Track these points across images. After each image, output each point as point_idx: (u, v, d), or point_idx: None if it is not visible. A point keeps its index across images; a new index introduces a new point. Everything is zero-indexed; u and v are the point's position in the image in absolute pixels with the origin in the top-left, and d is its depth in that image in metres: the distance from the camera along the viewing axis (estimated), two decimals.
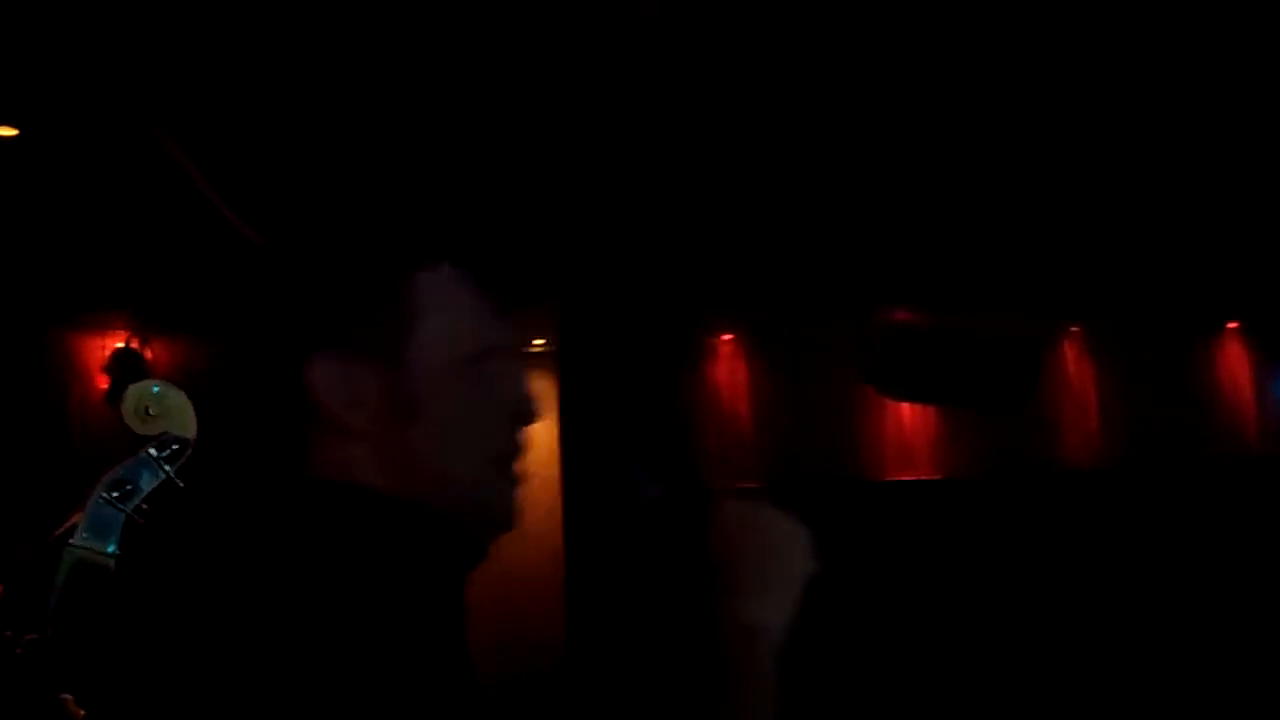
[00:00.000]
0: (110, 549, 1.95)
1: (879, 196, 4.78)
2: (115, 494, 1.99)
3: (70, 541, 1.91)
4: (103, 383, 5.68)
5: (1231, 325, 7.60)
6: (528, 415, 1.41)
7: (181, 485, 2.04)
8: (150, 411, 2.06)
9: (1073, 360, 7.78)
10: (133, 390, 2.07)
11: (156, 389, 2.08)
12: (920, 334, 6.25)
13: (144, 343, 5.62)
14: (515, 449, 1.40)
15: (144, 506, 2.00)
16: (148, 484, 2.02)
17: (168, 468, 2.03)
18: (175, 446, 2.04)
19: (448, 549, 1.39)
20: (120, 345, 5.59)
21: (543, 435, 6.80)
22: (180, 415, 2.08)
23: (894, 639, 6.33)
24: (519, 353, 1.45)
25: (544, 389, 6.91)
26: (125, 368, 5.47)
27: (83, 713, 1.77)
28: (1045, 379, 7.58)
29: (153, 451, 2.03)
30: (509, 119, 3.50)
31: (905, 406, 7.26)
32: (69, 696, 1.83)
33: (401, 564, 1.29)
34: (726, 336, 6.84)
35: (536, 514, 6.46)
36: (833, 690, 5.87)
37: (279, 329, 1.40)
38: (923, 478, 7.36)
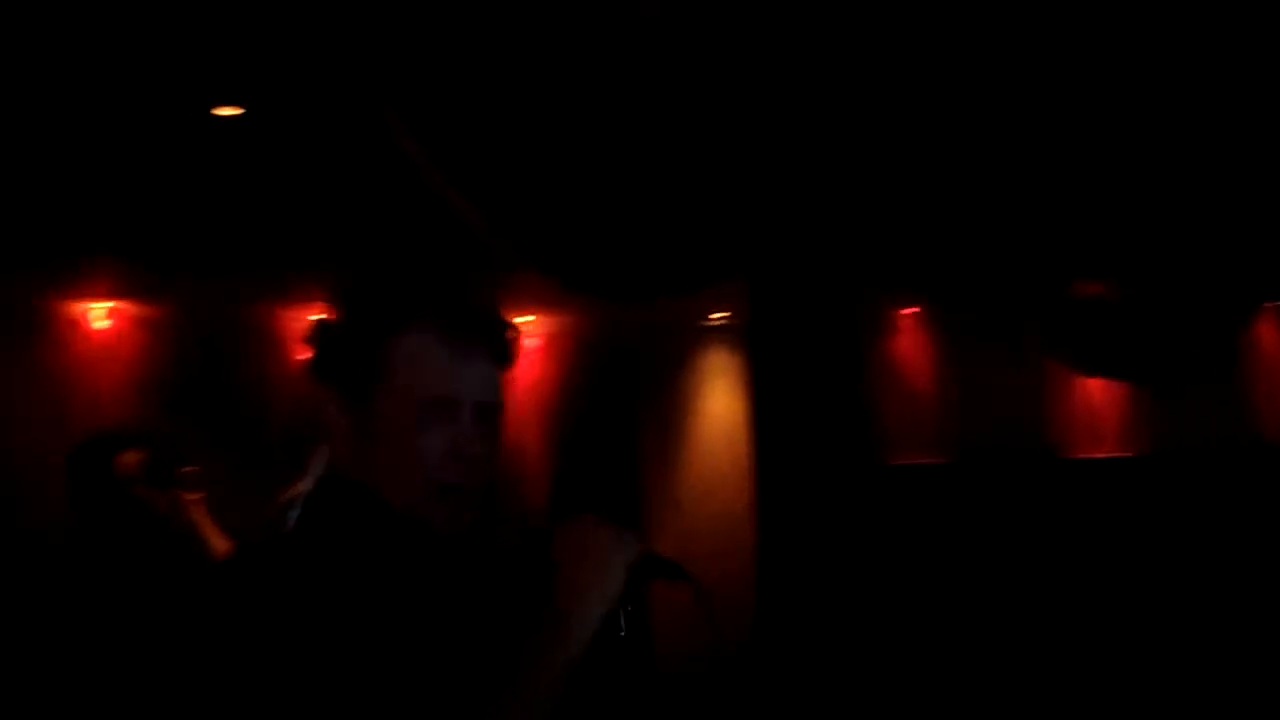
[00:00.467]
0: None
1: (1070, 166, 4.68)
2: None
3: (297, 501, 1.96)
4: (303, 353, 5.88)
5: None
6: (468, 457, 1.71)
7: None
8: None
9: (1269, 335, 7.51)
10: None
11: None
12: (1112, 308, 6.10)
13: None
14: (456, 483, 1.71)
15: None
16: None
17: None
18: None
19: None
20: (318, 317, 5.77)
21: (724, 409, 6.84)
22: None
23: (1085, 617, 6.22)
24: (476, 399, 1.73)
25: (723, 362, 6.95)
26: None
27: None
28: (1240, 354, 7.33)
29: None
30: (698, 92, 3.53)
31: (1095, 382, 7.10)
32: None
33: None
34: (911, 310, 6.78)
35: (725, 490, 6.49)
36: (1024, 662, 5.81)
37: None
38: (1113, 455, 7.20)
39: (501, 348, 1.77)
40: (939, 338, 6.88)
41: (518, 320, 6.36)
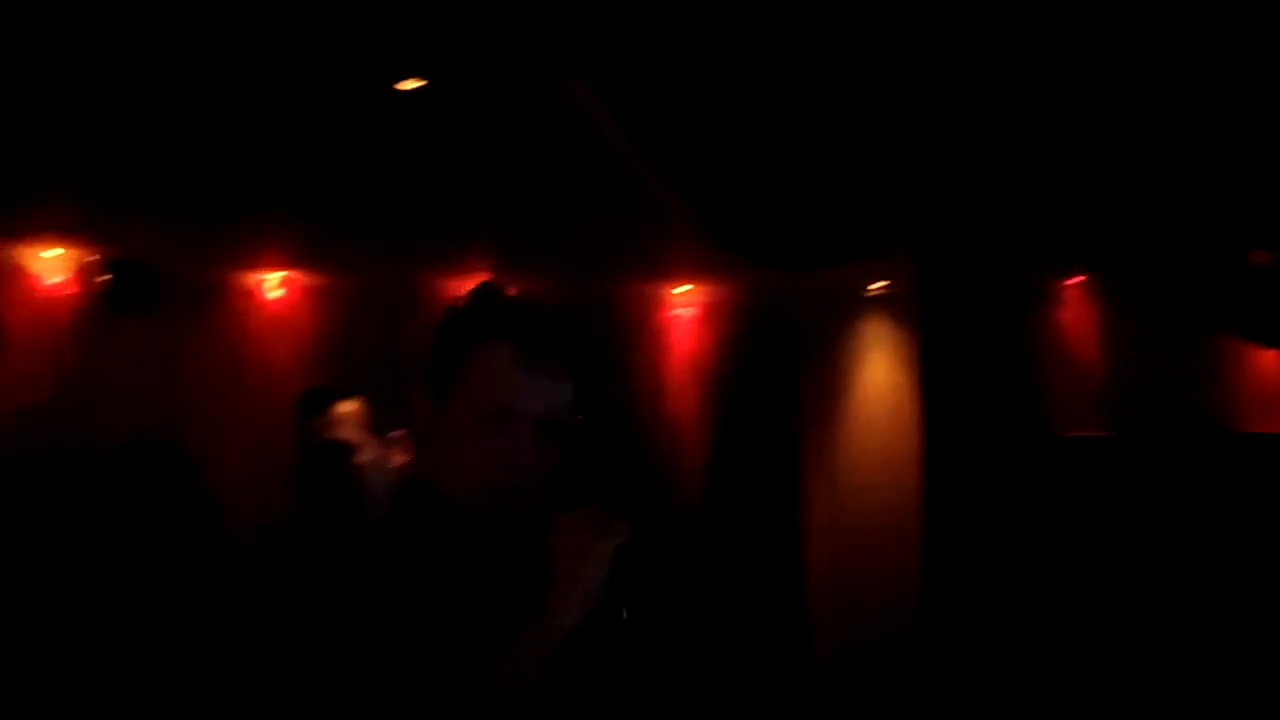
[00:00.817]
0: None
1: (1239, 131, 4.53)
2: None
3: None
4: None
5: None
6: (518, 465, 1.90)
7: (579, 418, 2.17)
8: None
9: None
10: None
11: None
12: None
13: (508, 286, 5.88)
14: (504, 486, 1.91)
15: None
16: None
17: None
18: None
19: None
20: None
21: (883, 380, 6.78)
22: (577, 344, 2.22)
23: (1256, 594, 6.04)
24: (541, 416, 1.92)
25: (881, 332, 6.88)
26: None
27: None
28: None
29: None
30: (870, 62, 3.50)
31: (1269, 354, 6.86)
32: None
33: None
34: (1077, 279, 6.64)
35: (885, 461, 6.42)
36: (1192, 640, 5.67)
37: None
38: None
39: (577, 367, 1.96)
40: (1105, 308, 6.72)
41: (676, 290, 6.42)
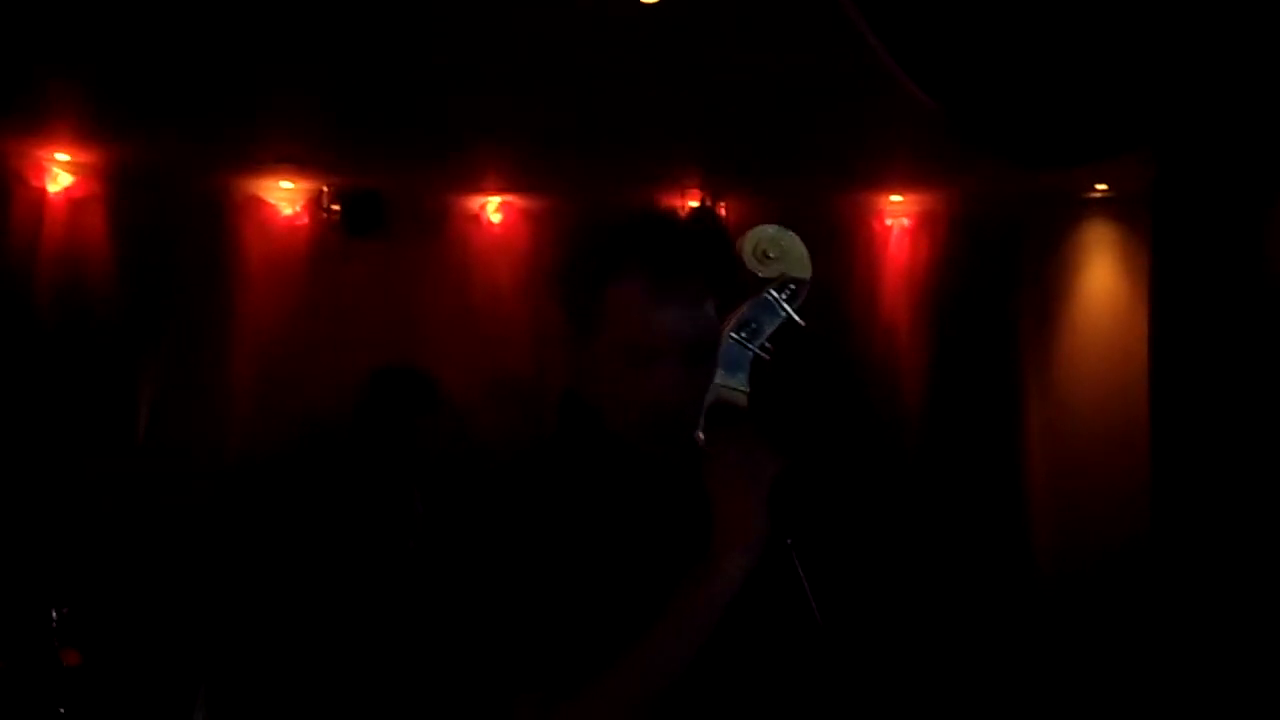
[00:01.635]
0: (742, 384, 2.11)
1: None
2: (743, 334, 2.13)
3: (713, 382, 2.01)
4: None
5: None
6: (669, 400, 1.87)
7: (802, 324, 2.17)
8: (769, 254, 2.19)
9: None
10: (751, 234, 2.20)
11: (774, 232, 2.21)
12: None
13: (717, 201, 5.91)
14: (658, 422, 1.87)
15: (768, 345, 2.14)
16: (770, 324, 2.15)
17: (787, 308, 2.16)
18: (793, 287, 2.17)
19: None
20: (695, 204, 5.89)
21: (1106, 289, 6.57)
22: (797, 257, 2.21)
23: None
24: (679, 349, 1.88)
25: (1104, 237, 6.66)
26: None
27: None
28: None
29: (773, 293, 2.16)
30: None
31: None
32: None
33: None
34: None
35: (1107, 373, 6.24)
36: None
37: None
38: None
39: (716, 279, 1.92)
40: None
41: (891, 199, 6.32)
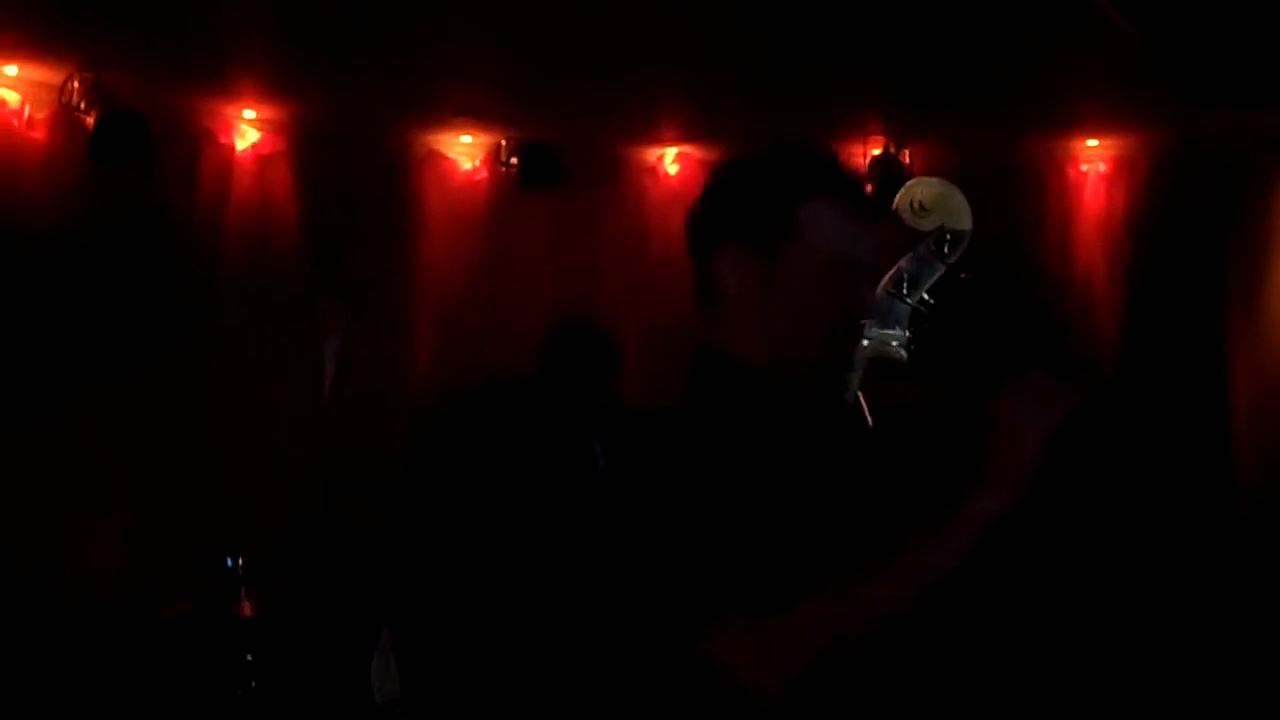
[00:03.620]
0: (900, 339, 2.06)
1: None
2: (899, 288, 2.08)
3: (865, 337, 2.02)
4: (867, 189, 5.87)
5: None
6: (861, 318, 1.87)
7: (963, 276, 2.09)
8: (925, 206, 2.12)
9: None
10: (906, 187, 2.15)
11: (931, 183, 2.14)
12: None
13: (900, 148, 5.75)
14: (853, 341, 1.87)
15: (927, 298, 2.07)
16: (928, 277, 2.09)
17: (947, 260, 2.09)
18: (950, 239, 2.10)
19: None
20: (878, 151, 5.75)
21: None
22: (955, 209, 2.13)
23: None
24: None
25: None
26: (886, 173, 5.62)
27: None
28: None
29: (931, 246, 2.10)
30: None
31: None
32: None
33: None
34: None
35: None
36: None
37: None
38: None
39: (880, 221, 1.93)
40: None
41: (1087, 143, 6.05)
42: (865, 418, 1.99)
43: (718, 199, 1.93)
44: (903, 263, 2.11)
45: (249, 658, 4.22)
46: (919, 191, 2.14)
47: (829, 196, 1.87)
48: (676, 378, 5.54)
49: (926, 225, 2.12)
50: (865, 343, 2.05)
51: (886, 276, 2.09)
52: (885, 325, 2.06)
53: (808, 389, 1.88)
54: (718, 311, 1.90)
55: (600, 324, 4.49)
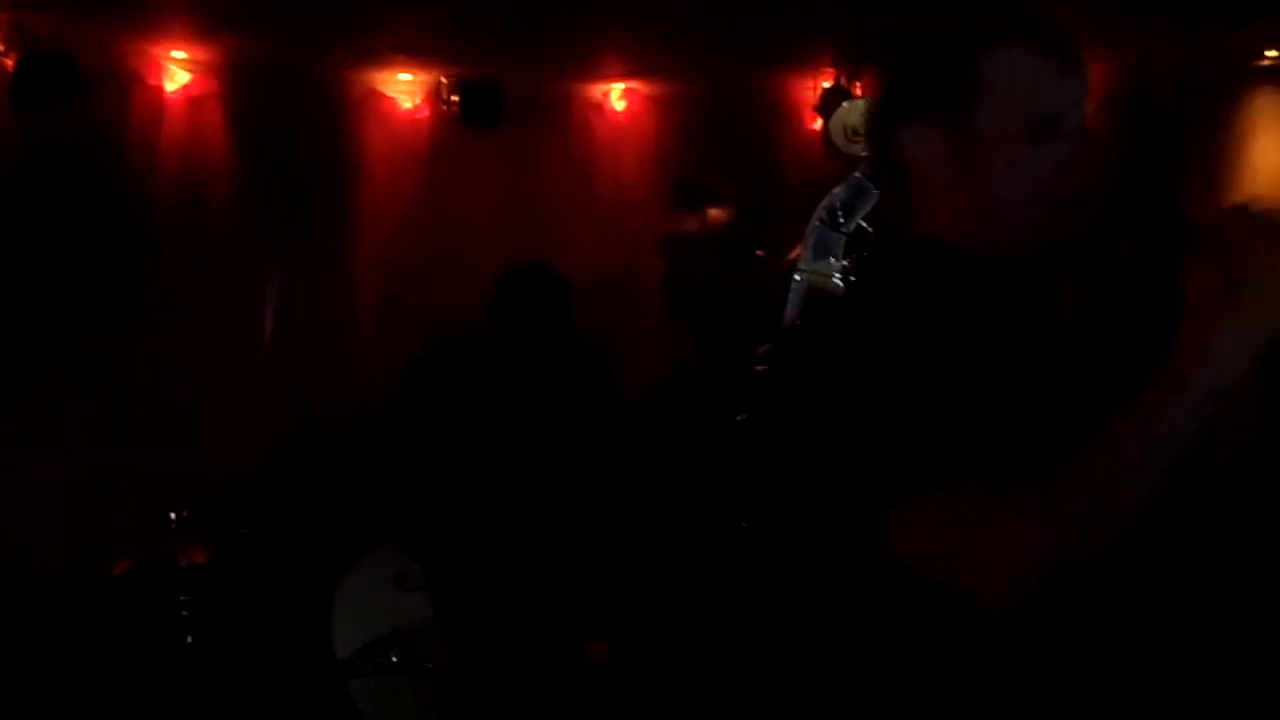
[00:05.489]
0: (837, 268, 2.00)
1: None
2: (833, 218, 2.02)
3: (799, 268, 1.98)
4: (813, 122, 5.79)
5: None
6: (1074, 177, 1.61)
7: None
8: (857, 132, 2.07)
9: None
10: (838, 112, 2.09)
11: (865, 107, 2.06)
12: None
13: (853, 79, 5.65)
14: (1071, 196, 1.62)
15: (864, 225, 2.02)
16: (864, 205, 2.03)
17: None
18: None
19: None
20: (829, 84, 5.66)
21: (1276, 163, 6.15)
22: None
23: None
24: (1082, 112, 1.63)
25: (1273, 106, 6.22)
26: (836, 106, 5.52)
27: None
28: None
29: (866, 172, 2.04)
30: None
31: None
32: None
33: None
34: None
35: None
36: None
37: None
38: None
39: (1085, 70, 1.66)
40: None
41: None
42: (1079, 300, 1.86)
43: (890, 74, 1.74)
44: (836, 191, 2.06)
45: (188, 611, 4.11)
46: (852, 116, 2.10)
47: (1017, 45, 1.62)
48: (630, 316, 5.44)
49: (861, 151, 2.06)
50: (798, 277, 2.01)
51: (820, 206, 2.05)
52: (820, 256, 2.01)
53: (1016, 272, 1.66)
54: (908, 199, 1.69)
55: (550, 264, 4.39)
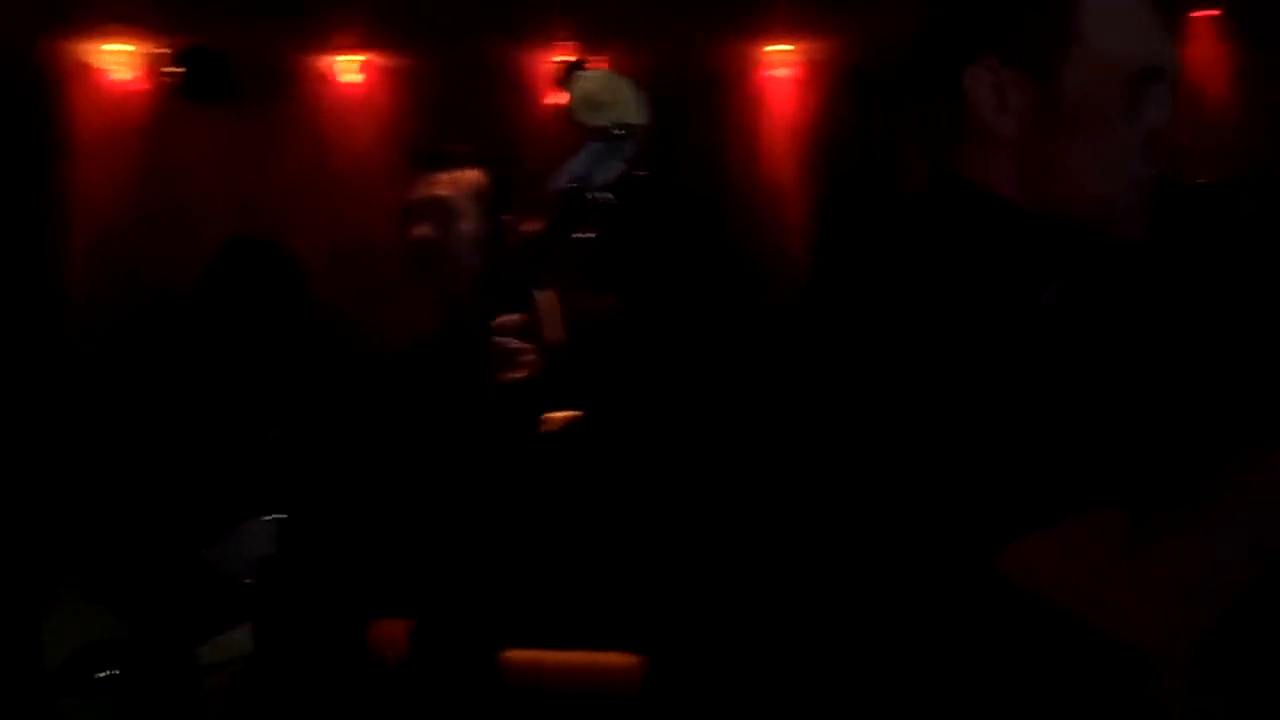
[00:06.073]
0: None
1: None
2: (570, 186, 1.96)
3: (538, 241, 1.91)
4: (554, 95, 5.73)
5: None
6: (1169, 140, 1.42)
7: (641, 174, 1.99)
8: (597, 100, 2.01)
9: None
10: (574, 80, 2.02)
11: (600, 76, 2.04)
12: None
13: (592, 55, 5.63)
14: (1154, 170, 1.42)
15: (604, 196, 1.96)
16: (601, 174, 1.98)
17: (622, 157, 1.98)
18: (620, 132, 1.99)
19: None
20: (568, 59, 5.62)
21: None
22: (627, 102, 2.02)
23: None
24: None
25: None
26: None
27: None
28: None
29: (604, 142, 1.99)
30: None
31: None
32: None
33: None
34: (1209, 12, 6.13)
35: None
36: None
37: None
38: None
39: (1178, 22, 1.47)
40: (1240, 45, 6.21)
41: (770, 49, 6.03)
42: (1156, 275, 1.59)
43: (961, 2, 1.49)
44: (573, 160, 1.99)
45: None
46: (588, 85, 2.02)
47: None
48: (374, 286, 5.27)
49: (599, 120, 2.00)
50: (537, 250, 1.95)
51: (557, 175, 1.99)
52: (558, 227, 1.95)
53: (1096, 241, 1.45)
54: (973, 150, 1.46)
55: (276, 240, 4.20)
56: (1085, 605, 1.24)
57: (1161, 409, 1.41)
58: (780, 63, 6.11)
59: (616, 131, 1.97)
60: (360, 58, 5.77)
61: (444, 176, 2.90)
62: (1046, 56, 1.40)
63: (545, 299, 2.50)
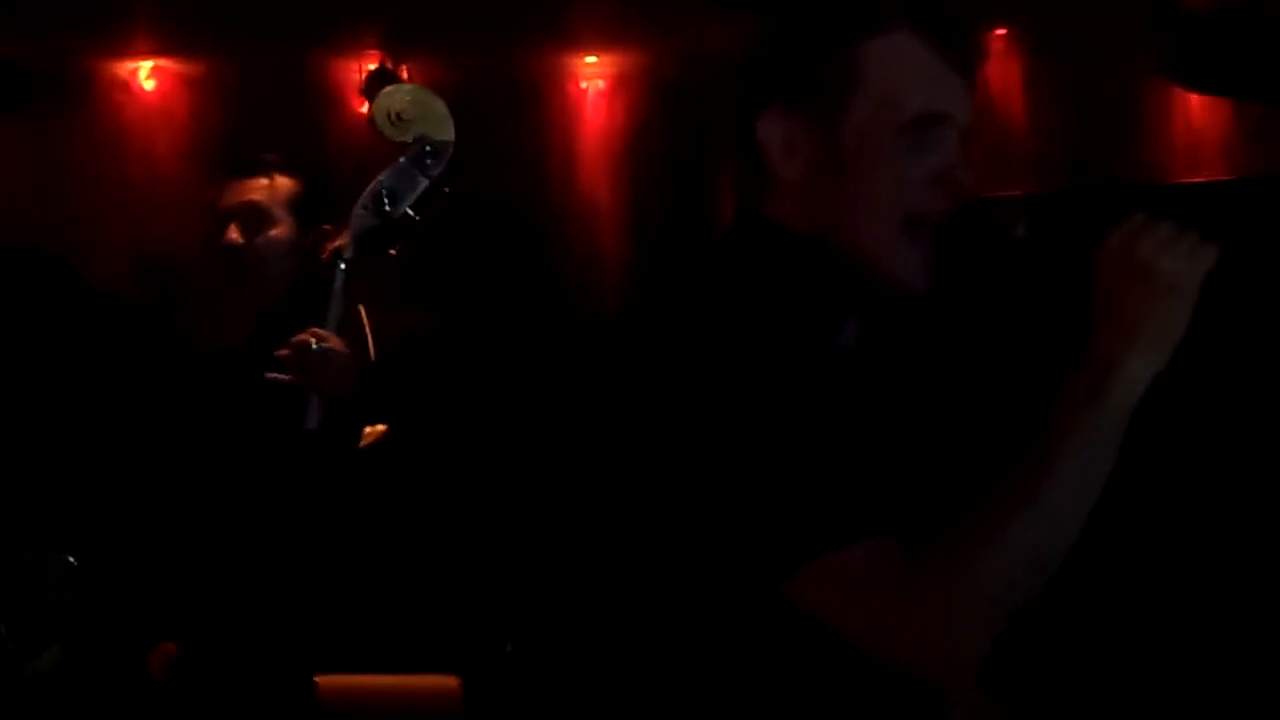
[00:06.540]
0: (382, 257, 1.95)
1: None
2: (378, 205, 1.97)
3: (342, 256, 1.90)
4: (359, 106, 5.66)
5: None
6: (955, 183, 1.45)
7: (447, 190, 2.00)
8: (403, 117, 2.02)
9: None
10: (380, 97, 2.03)
11: (408, 92, 2.05)
12: (1227, 18, 5.66)
13: (399, 62, 5.57)
14: (933, 214, 1.44)
15: (410, 213, 1.97)
16: (409, 191, 1.99)
17: (430, 173, 1.99)
18: (431, 151, 2.00)
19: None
20: (374, 66, 5.55)
21: None
22: (434, 118, 2.02)
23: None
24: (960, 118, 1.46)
25: None
26: (380, 90, 5.42)
27: None
28: None
29: (411, 159, 1.99)
30: None
31: (1194, 101, 6.66)
32: None
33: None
34: (1001, 30, 6.37)
35: None
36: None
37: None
38: (1214, 179, 6.82)
39: (975, 65, 1.50)
40: (1032, 61, 6.47)
41: (586, 60, 6.07)
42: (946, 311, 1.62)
43: (755, 53, 1.51)
44: (381, 177, 2.00)
45: None
46: (395, 101, 2.02)
47: (900, 32, 1.43)
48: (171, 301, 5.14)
49: (405, 136, 2.02)
50: (342, 266, 1.94)
51: (365, 193, 1.98)
52: (363, 246, 1.95)
53: (883, 285, 1.47)
54: (773, 192, 1.48)
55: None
56: (867, 635, 1.26)
57: (941, 440, 1.48)
58: (593, 74, 6.14)
59: (427, 148, 1.97)
60: (160, 63, 5.66)
61: (257, 183, 2.86)
62: (829, 103, 1.43)
63: (353, 315, 2.47)
